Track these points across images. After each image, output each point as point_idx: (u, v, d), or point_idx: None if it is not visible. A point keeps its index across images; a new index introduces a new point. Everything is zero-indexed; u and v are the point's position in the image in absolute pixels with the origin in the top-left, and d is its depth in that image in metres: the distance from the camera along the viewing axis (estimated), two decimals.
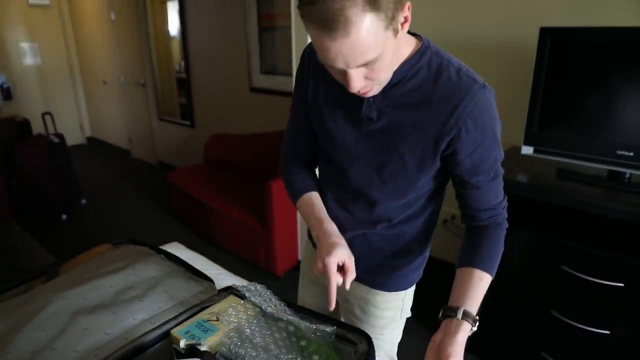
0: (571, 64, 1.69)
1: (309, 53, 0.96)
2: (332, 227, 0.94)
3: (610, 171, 1.73)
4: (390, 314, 1.12)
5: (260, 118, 3.65)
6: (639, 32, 1.55)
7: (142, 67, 4.96)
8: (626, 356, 1.62)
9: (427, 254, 1.11)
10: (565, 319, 1.71)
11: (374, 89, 0.79)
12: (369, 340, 0.92)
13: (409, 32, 0.83)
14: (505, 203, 0.94)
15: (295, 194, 1.05)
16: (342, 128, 0.92)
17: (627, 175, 1.70)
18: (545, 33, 1.70)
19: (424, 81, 0.82)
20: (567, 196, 1.65)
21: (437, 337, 0.82)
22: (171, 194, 3.77)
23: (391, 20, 0.67)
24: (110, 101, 5.91)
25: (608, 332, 1.63)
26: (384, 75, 0.76)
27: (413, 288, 1.14)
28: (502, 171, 0.90)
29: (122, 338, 0.97)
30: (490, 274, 0.90)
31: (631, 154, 1.61)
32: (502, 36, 2.26)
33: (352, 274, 0.87)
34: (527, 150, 1.84)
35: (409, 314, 1.16)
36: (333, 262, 0.85)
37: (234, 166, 3.56)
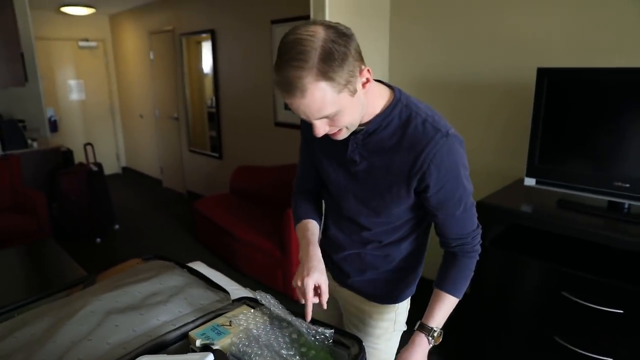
0: (568, 101, 1.81)
1: None
2: (316, 251, 1.07)
3: (609, 202, 1.80)
4: (384, 324, 1.23)
5: (283, 150, 3.85)
6: (630, 71, 1.66)
7: (176, 102, 5.31)
8: None
9: (418, 271, 1.23)
10: (568, 345, 1.75)
11: (343, 132, 0.94)
12: (360, 344, 1.03)
13: (385, 84, 1.00)
14: (476, 233, 1.05)
15: (296, 219, 1.21)
16: (334, 168, 1.09)
17: (626, 206, 1.76)
18: (542, 73, 1.83)
19: (395, 130, 0.96)
20: (568, 225, 1.73)
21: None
22: (197, 221, 3.98)
23: (345, 85, 0.82)
24: (145, 134, 6.29)
25: (611, 359, 1.66)
26: (348, 123, 0.91)
27: (406, 303, 1.25)
28: (471, 204, 1.02)
29: (146, 336, 1.12)
30: (455, 296, 1.05)
31: (627, 185, 1.68)
32: (503, 76, 2.40)
33: (325, 295, 1.01)
34: (530, 181, 1.94)
35: (404, 327, 1.26)
36: (310, 283, 0.98)
37: (257, 195, 3.74)
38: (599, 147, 1.76)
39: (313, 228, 1.15)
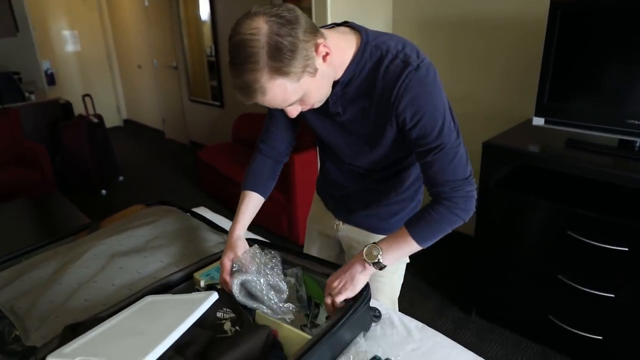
0: (581, 35, 1.72)
1: None
2: (239, 230, 1.13)
3: (620, 140, 1.76)
4: None
5: None
6: None
7: (174, 51, 5.16)
8: (630, 318, 1.67)
9: (418, 200, 1.23)
10: (571, 283, 1.77)
11: (316, 105, 0.94)
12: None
13: (349, 26, 0.96)
14: (460, 186, 0.95)
15: (243, 186, 1.21)
16: (321, 121, 1.07)
17: (638, 144, 1.72)
18: (555, 6, 1.73)
19: (368, 74, 0.93)
20: (576, 165, 1.70)
21: None
22: (200, 170, 3.97)
23: (303, 71, 0.80)
24: (144, 85, 6.17)
25: (613, 295, 1.68)
26: (319, 99, 0.91)
27: None
28: (455, 153, 0.93)
29: (151, 277, 1.13)
30: (415, 239, 0.98)
31: None
32: (512, 11, 2.29)
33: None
34: (539, 121, 1.88)
35: (407, 260, 1.26)
36: (225, 262, 1.05)
37: None
38: (612, 84, 1.70)
39: (248, 203, 1.17)
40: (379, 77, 0.91)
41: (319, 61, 0.84)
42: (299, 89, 0.82)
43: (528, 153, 1.85)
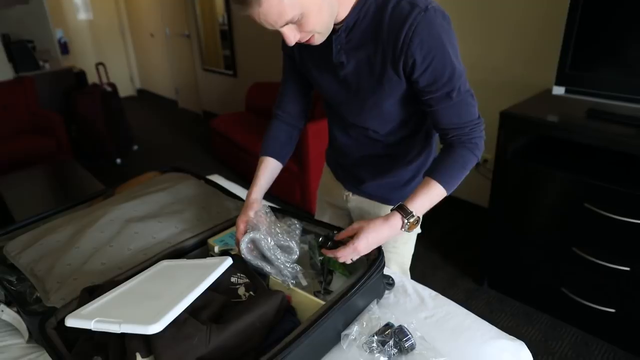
0: (607, 1, 1.64)
1: None
2: (255, 193, 1.11)
3: None
4: None
5: None
6: None
7: (187, 19, 5.09)
8: None
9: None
10: (586, 256, 1.75)
11: (316, 37, 0.88)
12: (379, 248, 1.03)
13: None
14: (475, 124, 0.97)
15: (261, 152, 1.19)
16: (324, 77, 1.04)
17: None
18: None
19: (373, 17, 0.90)
20: (597, 135, 1.65)
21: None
22: (214, 139, 3.97)
23: None
24: (157, 54, 6.13)
25: (628, 268, 1.66)
26: (318, 26, 0.85)
27: None
28: (466, 91, 0.94)
29: (166, 242, 1.14)
30: (443, 185, 0.96)
31: None
32: None
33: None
34: (559, 90, 1.83)
35: (419, 230, 1.25)
36: (239, 222, 1.03)
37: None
38: (637, 52, 1.62)
39: (265, 168, 1.16)
40: (384, 20, 0.88)
41: None
42: (297, 3, 0.78)
43: (547, 123, 1.80)
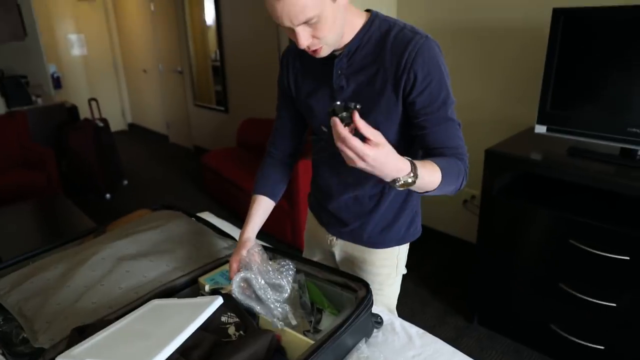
0: (583, 43, 1.73)
1: (286, 55, 1.14)
2: (248, 232, 1.15)
3: (622, 148, 1.77)
4: (386, 271, 1.23)
5: None
6: None
7: (180, 55, 5.20)
8: (631, 328, 1.68)
9: (416, 210, 1.22)
10: (573, 292, 1.78)
11: (324, 49, 0.94)
12: (367, 287, 1.05)
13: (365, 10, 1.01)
14: (463, 155, 0.98)
15: (254, 190, 1.22)
16: (322, 103, 1.07)
17: (639, 153, 1.73)
18: (558, 13, 1.75)
19: (376, 43, 0.97)
20: (579, 173, 1.71)
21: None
22: (205, 174, 4.00)
23: None
24: (150, 89, 6.21)
25: (614, 304, 1.69)
26: (329, 35, 0.90)
27: (406, 246, 1.25)
28: (455, 120, 0.99)
29: (157, 281, 1.14)
30: (442, 173, 0.89)
31: None
32: (514, 19, 2.31)
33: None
34: (541, 129, 1.90)
35: (404, 271, 1.27)
36: (233, 263, 1.06)
37: (264, 148, 3.68)
38: (614, 92, 1.71)
39: (258, 207, 1.19)
40: (387, 44, 0.95)
41: None
42: (319, 4, 0.83)
43: (530, 161, 1.87)
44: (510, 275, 2.01)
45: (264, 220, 1.21)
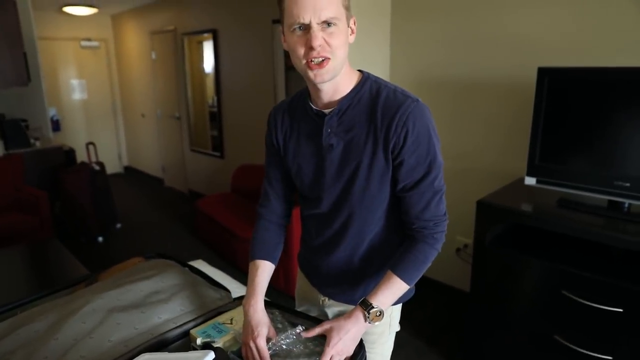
0: (568, 100, 1.81)
1: (274, 114, 1.18)
2: (259, 304, 1.09)
3: (610, 201, 1.80)
4: (379, 329, 1.18)
5: None
6: (630, 71, 1.67)
7: (178, 101, 5.32)
8: None
9: None
10: (568, 344, 1.76)
11: (330, 65, 0.93)
12: (360, 344, 1.04)
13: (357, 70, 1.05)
14: (440, 221, 1.03)
15: (251, 255, 1.17)
16: (311, 163, 1.08)
17: (626, 205, 1.76)
18: (543, 73, 1.84)
19: (367, 103, 1.00)
20: (568, 225, 1.74)
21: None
22: (199, 219, 3.99)
23: (346, 7, 0.93)
24: (147, 133, 6.30)
25: (610, 357, 1.67)
26: (339, 50, 0.93)
27: (399, 304, 1.22)
28: (440, 186, 1.01)
29: (148, 333, 1.13)
30: (404, 280, 1.02)
31: (628, 184, 1.69)
32: (505, 76, 2.41)
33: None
34: (530, 181, 1.94)
35: (398, 328, 1.24)
36: (262, 344, 1.01)
37: (259, 194, 3.72)
38: (600, 147, 1.77)
39: (262, 273, 1.13)
40: (378, 106, 0.98)
41: (351, 23, 0.96)
42: (340, 11, 0.90)
43: (520, 212, 1.90)
44: (504, 326, 1.98)
45: (267, 286, 1.15)
